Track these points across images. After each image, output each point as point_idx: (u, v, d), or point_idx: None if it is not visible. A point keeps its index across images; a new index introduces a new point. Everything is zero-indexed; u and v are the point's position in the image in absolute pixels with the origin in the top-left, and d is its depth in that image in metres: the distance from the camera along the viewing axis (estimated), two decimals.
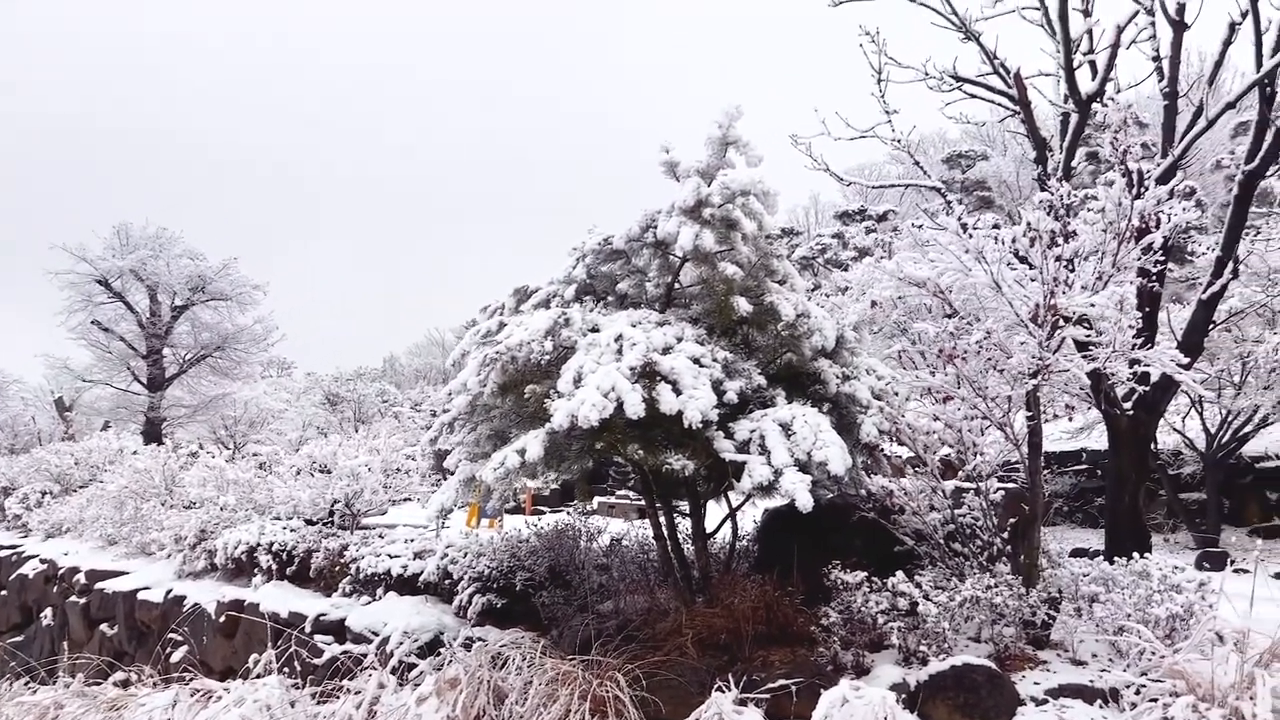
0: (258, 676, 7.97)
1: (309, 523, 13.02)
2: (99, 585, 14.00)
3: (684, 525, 8.18)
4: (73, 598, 14.73)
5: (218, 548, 12.65)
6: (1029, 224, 6.70)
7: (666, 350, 6.60)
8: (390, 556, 10.07)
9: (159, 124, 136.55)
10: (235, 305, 30.23)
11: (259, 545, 12.02)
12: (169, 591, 12.63)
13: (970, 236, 6.97)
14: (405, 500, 15.49)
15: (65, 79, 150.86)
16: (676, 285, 7.95)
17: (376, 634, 8.85)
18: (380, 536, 11.46)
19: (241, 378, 32.18)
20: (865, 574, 6.53)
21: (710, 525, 8.14)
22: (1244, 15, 8.90)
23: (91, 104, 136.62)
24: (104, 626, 13.72)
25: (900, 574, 6.50)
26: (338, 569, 10.74)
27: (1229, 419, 13.60)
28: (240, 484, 15.13)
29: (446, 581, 9.33)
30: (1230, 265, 9.05)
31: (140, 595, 12.95)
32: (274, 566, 11.71)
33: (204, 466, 16.23)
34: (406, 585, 9.71)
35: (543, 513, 18.58)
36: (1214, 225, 24.98)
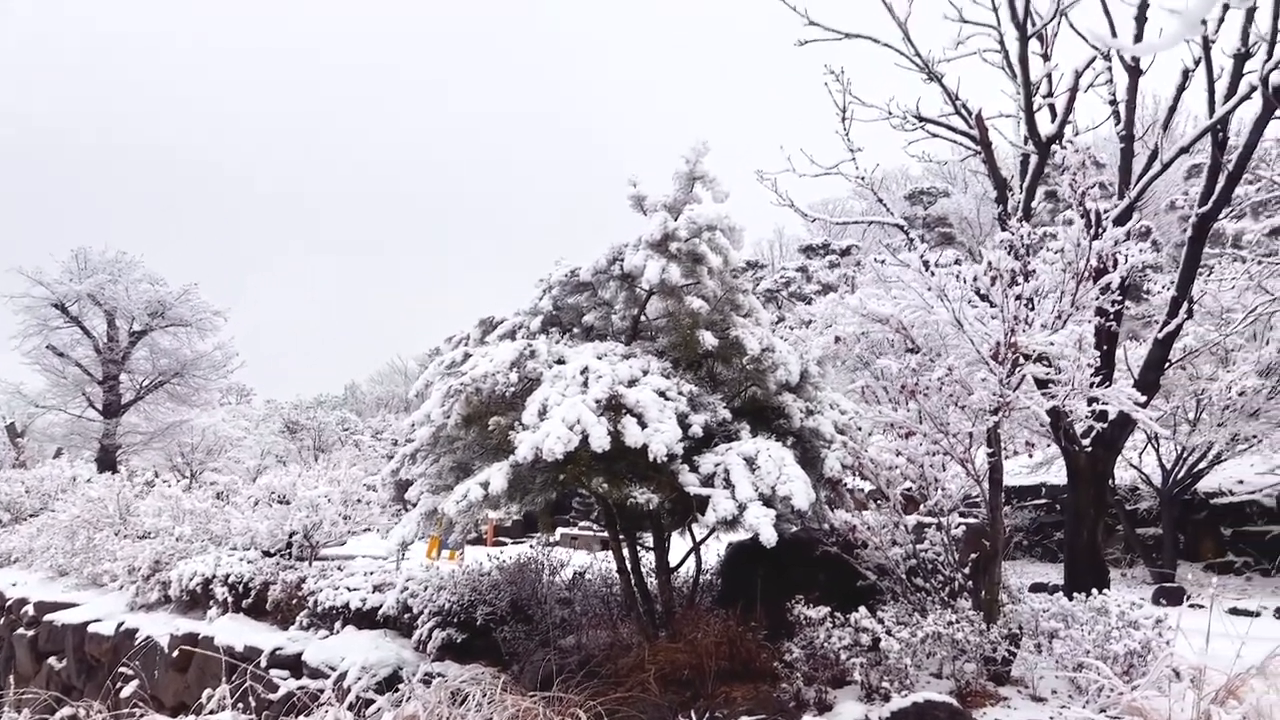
0: (211, 712, 7.79)
1: (266, 554, 12.81)
2: (48, 617, 13.65)
3: (648, 559, 8.14)
4: (20, 630, 14.35)
5: (172, 579, 12.40)
6: (989, 263, 6.79)
7: (632, 383, 6.60)
8: (349, 589, 9.93)
9: (121, 138, 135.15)
10: (195, 331, 29.86)
11: (215, 577, 11.80)
12: (120, 624, 12.34)
13: (932, 274, 7.05)
14: (365, 531, 15.29)
15: None
16: (643, 318, 7.95)
17: (334, 669, 8.69)
18: (339, 569, 11.31)
19: (200, 404, 31.74)
20: (828, 609, 6.53)
21: (674, 559, 8.10)
22: (1196, 63, 9.15)
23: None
24: (52, 660, 13.37)
25: (863, 609, 6.50)
26: (295, 602, 10.55)
27: (1184, 455, 13.79)
28: (197, 514, 14.87)
29: (406, 615, 9.21)
30: (1185, 305, 9.23)
31: (91, 628, 12.65)
32: (230, 599, 11.49)
33: (159, 496, 15.92)
34: (365, 619, 9.56)
35: (505, 544, 18.43)
36: (1169, 265, 25.47)
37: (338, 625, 9.71)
